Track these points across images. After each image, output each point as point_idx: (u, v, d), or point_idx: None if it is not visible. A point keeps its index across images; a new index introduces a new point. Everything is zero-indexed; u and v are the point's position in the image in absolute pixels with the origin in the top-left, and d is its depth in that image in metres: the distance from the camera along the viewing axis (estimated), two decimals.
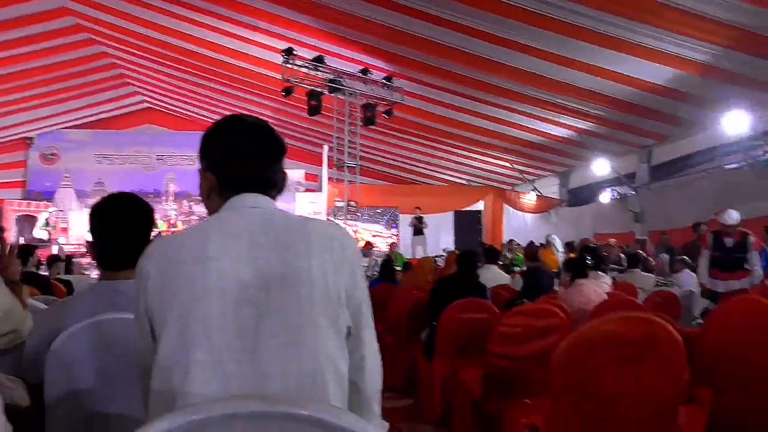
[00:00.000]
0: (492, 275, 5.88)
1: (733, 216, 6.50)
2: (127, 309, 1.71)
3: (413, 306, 5.13)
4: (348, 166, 13.23)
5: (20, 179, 16.83)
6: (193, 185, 17.00)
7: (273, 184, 1.39)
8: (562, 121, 11.40)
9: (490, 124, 12.25)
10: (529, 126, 11.98)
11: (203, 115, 16.51)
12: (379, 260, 10.06)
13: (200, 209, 17.23)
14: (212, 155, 1.40)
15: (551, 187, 16.12)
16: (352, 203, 13.51)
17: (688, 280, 6.90)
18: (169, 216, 17.01)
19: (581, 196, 15.17)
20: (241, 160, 1.37)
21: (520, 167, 15.35)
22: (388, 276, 7.32)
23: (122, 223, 1.88)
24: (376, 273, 9.10)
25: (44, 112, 14.99)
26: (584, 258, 5.03)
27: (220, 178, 1.38)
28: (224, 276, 1.20)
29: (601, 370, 2.06)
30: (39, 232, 15.32)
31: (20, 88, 13.07)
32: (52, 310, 1.93)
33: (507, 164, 15.24)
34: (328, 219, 11.93)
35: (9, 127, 15.18)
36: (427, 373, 4.15)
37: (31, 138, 16.74)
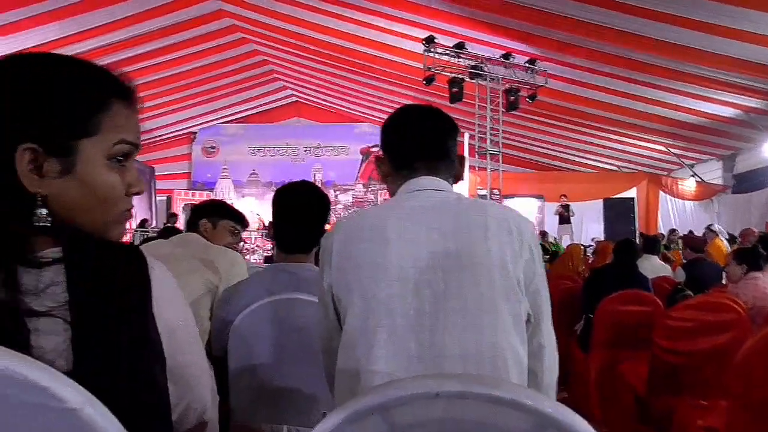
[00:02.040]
0: (651, 266, 5.51)
1: None
2: (298, 289, 1.88)
3: (564, 296, 4.93)
4: (490, 154, 12.98)
5: (186, 171, 18.35)
6: (338, 175, 17.86)
7: (447, 167, 1.39)
8: (726, 99, 10.42)
9: (642, 105, 11.51)
10: (688, 106, 11.10)
11: (348, 108, 16.99)
12: None
13: (345, 198, 17.97)
14: (386, 139, 1.44)
15: (713, 173, 14.81)
16: (495, 191, 13.29)
17: None
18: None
19: (749, 181, 13.78)
20: (412, 141, 1.39)
21: (676, 151, 14.28)
22: None
23: (298, 210, 1.97)
24: None
25: (205, 108, 16.21)
26: (759, 249, 4.57)
27: (394, 161, 1.41)
28: (403, 258, 1.21)
29: None
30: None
31: (183, 88, 14.21)
32: (234, 288, 2.05)
33: (662, 148, 14.23)
34: None
35: (175, 123, 16.57)
36: (582, 366, 3.99)
37: (194, 133, 18.17)
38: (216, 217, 2.61)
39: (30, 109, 0.81)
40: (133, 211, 0.93)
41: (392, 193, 1.41)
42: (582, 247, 8.84)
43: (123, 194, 0.89)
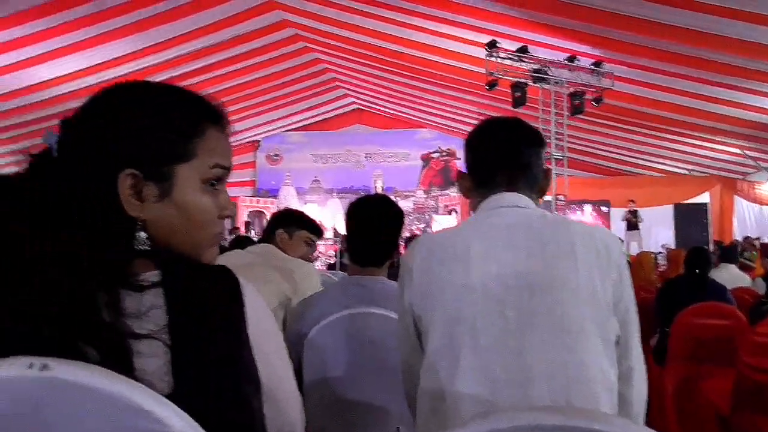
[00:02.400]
0: (729, 276, 5.26)
1: None
2: (371, 303, 1.88)
3: (637, 307, 4.77)
4: (555, 159, 12.58)
5: (250, 179, 18.80)
6: (398, 181, 17.97)
7: (530, 180, 1.35)
8: None
9: (714, 106, 11.11)
10: (764, 106, 10.64)
11: (408, 114, 17.03)
12: None
13: (406, 204, 17.76)
14: (467, 154, 1.43)
15: None
16: (560, 197, 13.01)
17: None
18: None
19: None
20: (492, 154, 1.37)
21: (753, 153, 13.67)
22: None
23: (372, 223, 1.98)
24: None
25: (268, 117, 16.58)
26: None
27: (474, 175, 1.40)
28: (487, 277, 1.19)
29: None
30: (341, 229, 16.54)
31: (248, 97, 14.56)
32: (308, 300, 2.06)
33: (736, 150, 13.64)
34: None
35: (240, 132, 16.97)
36: (658, 381, 3.84)
37: (258, 141, 18.62)
38: (293, 227, 2.63)
39: (130, 136, 0.84)
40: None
41: (474, 209, 1.39)
42: (652, 255, 8.57)
43: (216, 217, 0.91)
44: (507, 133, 1.38)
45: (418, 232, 16.53)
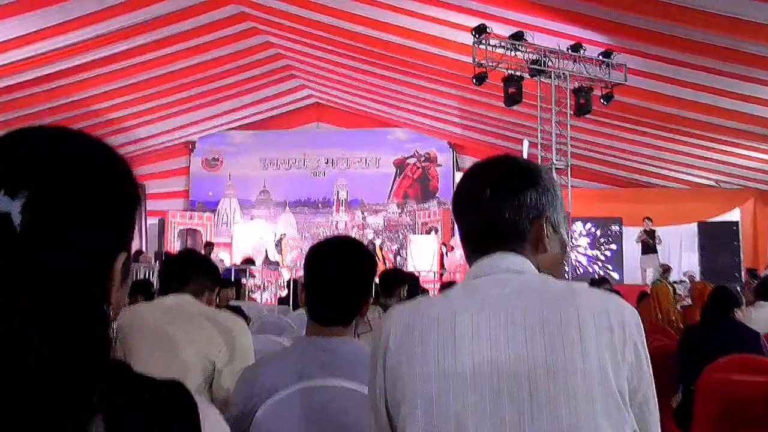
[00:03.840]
0: (767, 318, 5.35)
1: None
2: (338, 372, 1.86)
3: (653, 356, 4.70)
4: (556, 168, 12.72)
5: (182, 188, 18.62)
6: (366, 192, 18.01)
7: (519, 234, 1.37)
8: None
9: (746, 106, 11.39)
10: None
11: (379, 110, 17.04)
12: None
13: (375, 220, 18.08)
14: (452, 204, 1.46)
15: None
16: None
17: None
18: (339, 228, 17.76)
19: None
20: (473, 215, 1.40)
21: None
22: None
23: (335, 278, 1.98)
24: None
25: (206, 112, 16.44)
26: None
27: (463, 240, 1.43)
28: (478, 363, 1.20)
29: None
30: (273, 254, 16.76)
31: (181, 88, 14.46)
32: (254, 368, 2.06)
33: None
34: None
35: (171, 130, 16.85)
36: None
37: (192, 142, 18.47)
38: (188, 273, 2.76)
39: (121, 214, 0.87)
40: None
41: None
42: (671, 288, 8.62)
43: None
44: (483, 181, 1.40)
45: (389, 252, 16.44)
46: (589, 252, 14.43)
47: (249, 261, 13.76)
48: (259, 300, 12.32)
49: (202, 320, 2.51)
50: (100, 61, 12.51)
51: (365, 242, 15.35)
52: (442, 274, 14.83)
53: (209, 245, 14.22)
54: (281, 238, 17.33)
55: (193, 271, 2.75)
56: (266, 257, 16.47)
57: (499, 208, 1.36)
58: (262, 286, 14.20)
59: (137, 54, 12.59)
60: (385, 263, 15.46)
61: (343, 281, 1.98)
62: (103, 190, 0.83)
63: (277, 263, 16.48)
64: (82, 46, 11.71)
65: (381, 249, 16.44)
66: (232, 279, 10.64)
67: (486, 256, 1.35)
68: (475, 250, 1.39)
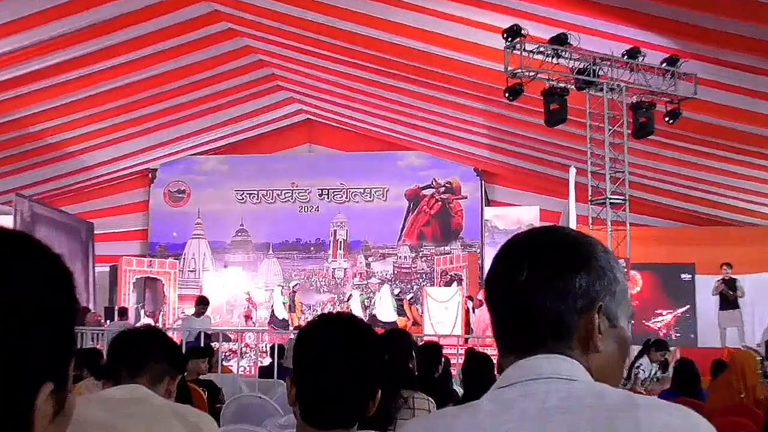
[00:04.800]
0: None
1: None
2: None
3: None
4: (611, 202, 12.79)
5: (140, 228, 18.56)
6: (370, 232, 18.53)
7: (565, 329, 1.33)
8: None
9: None
10: None
11: (387, 129, 17.17)
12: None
13: (382, 267, 18.61)
14: (484, 288, 1.54)
15: None
16: (620, 261, 12.61)
17: None
18: (337, 277, 17.92)
19: None
20: (505, 290, 1.39)
21: None
22: (687, 384, 7.13)
23: (332, 372, 1.99)
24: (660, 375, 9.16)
25: (170, 132, 16.52)
26: None
27: (493, 326, 1.44)
28: None
29: None
30: (280, 311, 16.88)
31: (140, 104, 14.47)
32: None
33: None
34: None
35: (127, 156, 16.73)
36: None
37: (153, 169, 18.37)
38: (144, 358, 2.82)
39: (43, 334, 0.92)
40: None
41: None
42: (759, 356, 8.57)
43: None
44: (519, 260, 1.38)
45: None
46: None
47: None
48: (235, 369, 12.41)
49: (161, 417, 2.54)
50: (37, 73, 12.68)
51: (384, 295, 16.40)
52: (467, 339, 14.54)
53: (203, 301, 13.06)
54: (295, 291, 17.33)
55: (152, 356, 2.78)
56: (272, 315, 16.53)
57: (538, 295, 1.36)
58: (238, 352, 14.26)
59: (83, 64, 12.68)
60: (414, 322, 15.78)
61: (344, 378, 2.01)
62: (14, 302, 0.89)
63: (287, 322, 16.45)
64: (15, 55, 11.82)
65: (409, 303, 16.92)
66: (202, 344, 10.46)
67: (522, 359, 1.36)
68: (508, 349, 1.40)
